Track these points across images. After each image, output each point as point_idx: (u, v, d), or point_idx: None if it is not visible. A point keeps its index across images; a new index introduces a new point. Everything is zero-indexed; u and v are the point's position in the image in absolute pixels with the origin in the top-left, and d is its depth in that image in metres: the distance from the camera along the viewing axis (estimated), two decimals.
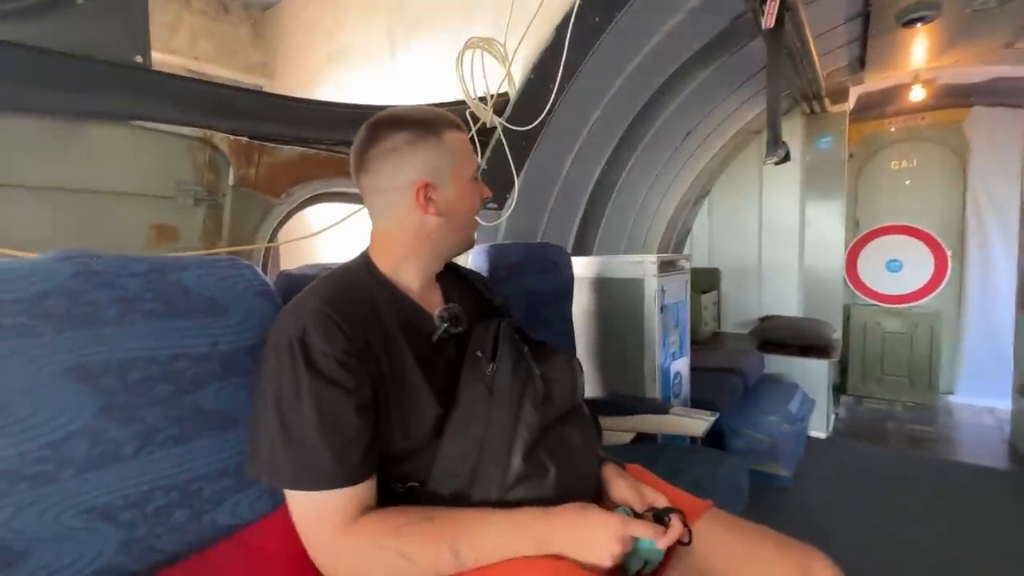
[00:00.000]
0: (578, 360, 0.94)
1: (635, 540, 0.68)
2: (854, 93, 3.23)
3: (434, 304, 0.86)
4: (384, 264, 0.83)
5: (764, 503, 2.19)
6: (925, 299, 3.62)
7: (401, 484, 0.73)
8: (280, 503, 0.80)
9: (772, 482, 2.30)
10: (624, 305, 1.69)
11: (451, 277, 0.94)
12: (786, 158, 1.61)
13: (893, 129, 3.73)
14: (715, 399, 2.07)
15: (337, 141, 1.25)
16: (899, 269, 3.70)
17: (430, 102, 1.57)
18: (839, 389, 3.76)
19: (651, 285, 1.65)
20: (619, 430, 1.59)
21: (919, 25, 2.14)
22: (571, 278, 1.61)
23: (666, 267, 1.72)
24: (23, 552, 0.59)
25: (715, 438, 2.37)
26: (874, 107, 3.55)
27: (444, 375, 0.78)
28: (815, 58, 2.10)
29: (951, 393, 3.59)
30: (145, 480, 0.68)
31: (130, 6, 1.02)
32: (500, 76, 1.51)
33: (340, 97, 2.29)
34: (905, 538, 1.91)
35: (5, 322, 0.59)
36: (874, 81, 2.99)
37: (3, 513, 0.57)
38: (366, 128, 0.81)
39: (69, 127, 0.92)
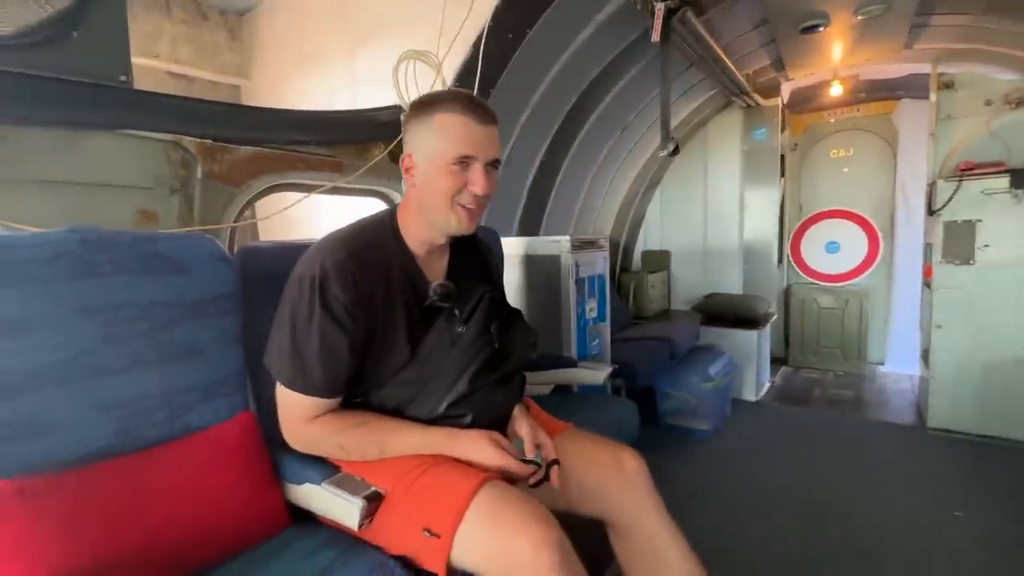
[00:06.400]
0: (536, 333, 1.14)
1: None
2: (787, 88, 3.50)
3: (437, 271, 1.03)
4: (400, 220, 1.00)
5: (685, 450, 2.51)
6: (860, 277, 3.93)
7: (360, 396, 0.98)
8: (234, 413, 1.08)
9: (693, 434, 2.62)
10: (545, 278, 1.98)
11: (465, 247, 1.10)
12: (675, 151, 1.90)
13: (832, 120, 4.01)
14: (638, 362, 2.37)
15: (288, 141, 1.52)
16: (837, 250, 4.01)
17: (375, 106, 1.84)
18: (782, 361, 4.09)
19: (567, 261, 1.93)
20: (539, 383, 1.88)
21: (819, 30, 2.41)
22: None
23: (583, 245, 2.00)
24: (51, 427, 0.87)
25: (647, 398, 2.68)
26: (807, 101, 3.83)
27: (423, 330, 0.97)
28: (725, 60, 2.37)
29: (881, 363, 3.92)
30: (133, 388, 0.96)
31: (114, 35, 1.28)
32: (438, 83, 1.78)
33: (306, 98, 2.55)
34: (803, 476, 2.23)
35: (34, 273, 0.87)
36: (798, 78, 3.26)
37: (37, 401, 0.86)
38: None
39: (70, 135, 1.19)
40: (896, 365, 3.83)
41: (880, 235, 3.86)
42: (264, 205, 1.85)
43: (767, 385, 3.50)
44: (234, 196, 1.43)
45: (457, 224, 0.95)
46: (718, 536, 1.82)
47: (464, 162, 0.91)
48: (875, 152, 3.88)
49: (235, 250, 1.24)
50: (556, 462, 0.98)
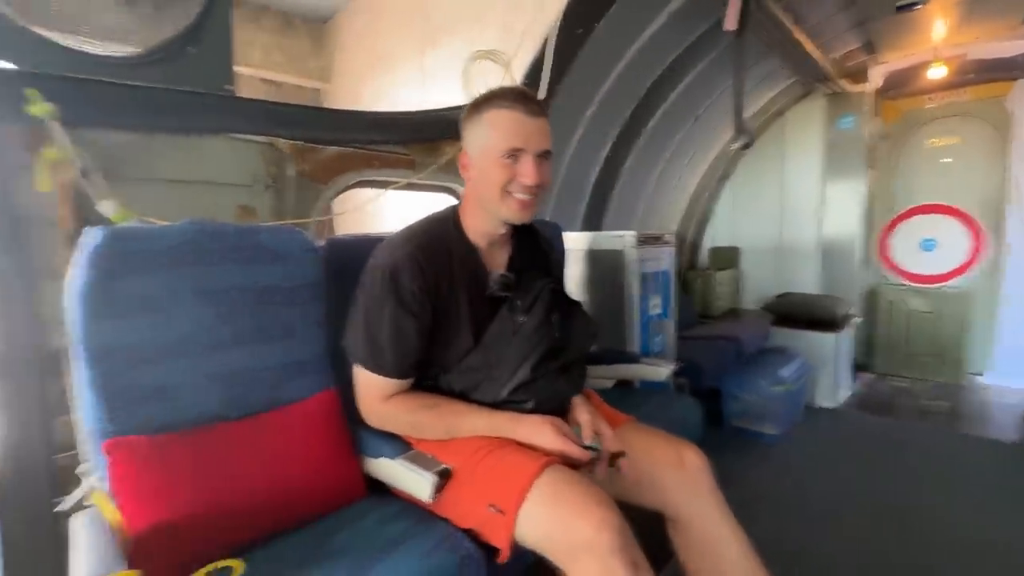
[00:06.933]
0: (596, 324, 1.18)
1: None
2: (879, 72, 3.23)
3: (499, 262, 1.09)
4: (462, 216, 1.06)
5: (752, 454, 2.42)
6: (959, 279, 3.57)
7: (431, 379, 1.06)
8: (319, 390, 1.19)
9: (761, 438, 2.52)
10: (608, 273, 1.98)
11: (526, 238, 1.15)
12: (747, 145, 1.82)
13: (933, 106, 3.65)
14: (703, 361, 2.32)
15: (367, 140, 1.63)
16: (933, 248, 3.66)
17: (444, 104, 1.92)
18: (865, 367, 3.80)
19: (631, 256, 1.92)
20: (601, 377, 1.89)
21: (918, 7, 2.21)
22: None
23: (648, 241, 1.99)
24: (174, 392, 1.00)
25: (712, 399, 2.61)
26: (903, 85, 3.51)
27: (486, 319, 1.04)
28: (808, 45, 2.24)
29: (982, 374, 3.54)
30: (239, 362, 1.08)
31: (222, 49, 1.44)
32: (506, 81, 1.83)
33: (380, 98, 2.70)
34: (884, 490, 2.08)
35: (161, 260, 1.00)
36: (893, 61, 3.00)
37: (164, 369, 0.99)
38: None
39: (186, 139, 1.35)
40: (1001, 376, 3.44)
41: (986, 232, 3.48)
42: (339, 201, 1.99)
43: (846, 392, 3.28)
44: (320, 192, 1.56)
45: (511, 214, 1.01)
46: (784, 542, 1.76)
47: (514, 154, 0.96)
48: (983, 140, 3.49)
49: (320, 242, 1.36)
50: (622, 454, 1.00)
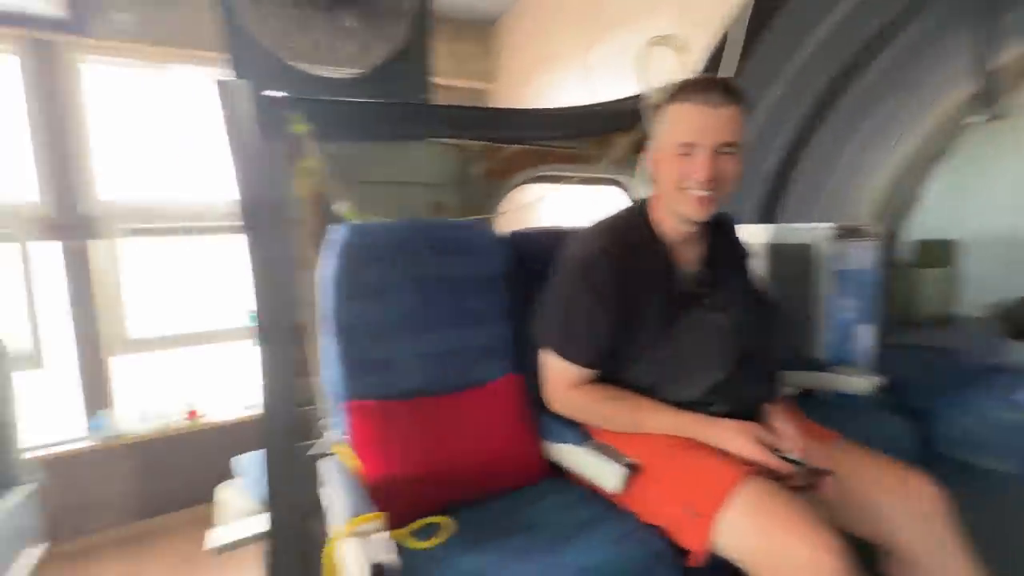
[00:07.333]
0: (793, 327, 1.12)
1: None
2: None
3: (690, 258, 1.06)
4: (652, 212, 1.06)
5: (973, 490, 1.98)
6: None
7: (617, 373, 1.06)
8: (505, 373, 1.27)
9: (986, 474, 2.06)
10: (794, 270, 1.78)
11: (720, 234, 1.12)
12: (996, 116, 1.46)
13: None
14: (908, 375, 1.97)
15: (541, 137, 1.69)
16: None
17: (614, 97, 1.89)
18: None
19: (824, 251, 1.71)
20: (786, 384, 1.72)
21: None
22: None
23: (844, 234, 1.74)
24: (393, 366, 1.15)
25: (915, 418, 2.21)
26: None
27: (677, 316, 1.02)
28: None
29: None
30: (441, 343, 1.21)
31: (420, 64, 1.61)
32: (681, 68, 1.74)
33: (541, 97, 2.77)
34: None
35: (386, 252, 1.16)
36: None
37: (387, 346, 1.15)
38: None
39: (392, 145, 1.54)
40: None
41: None
42: (508, 198, 2.09)
43: None
44: (500, 188, 1.66)
45: (688, 210, 0.98)
46: None
47: (688, 148, 0.93)
48: None
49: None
50: (829, 472, 0.91)
